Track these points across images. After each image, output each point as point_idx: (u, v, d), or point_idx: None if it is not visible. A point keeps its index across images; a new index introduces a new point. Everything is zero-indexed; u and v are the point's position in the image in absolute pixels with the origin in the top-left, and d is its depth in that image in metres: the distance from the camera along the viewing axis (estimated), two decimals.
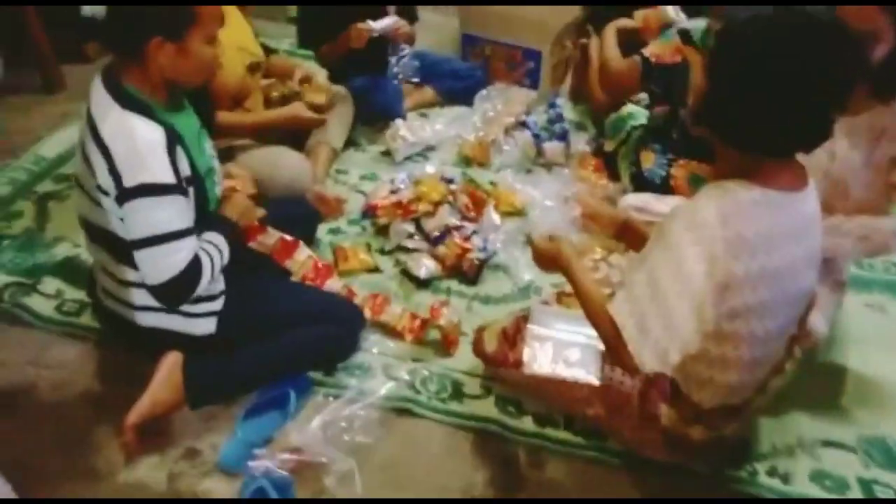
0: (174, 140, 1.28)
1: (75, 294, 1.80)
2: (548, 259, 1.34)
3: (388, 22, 2.38)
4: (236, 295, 1.47)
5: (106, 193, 1.27)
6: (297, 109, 2.11)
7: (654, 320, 1.09)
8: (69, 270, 1.89)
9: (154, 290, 1.31)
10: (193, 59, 1.30)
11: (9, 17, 2.59)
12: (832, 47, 0.99)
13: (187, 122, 1.40)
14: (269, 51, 2.28)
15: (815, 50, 0.99)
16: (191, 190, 1.33)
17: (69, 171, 2.26)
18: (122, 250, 1.32)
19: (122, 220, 1.28)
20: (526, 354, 1.43)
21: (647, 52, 1.86)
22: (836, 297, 1.77)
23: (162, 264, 1.29)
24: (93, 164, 1.26)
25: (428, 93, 2.77)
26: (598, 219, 1.48)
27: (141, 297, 1.38)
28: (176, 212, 1.28)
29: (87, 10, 1.26)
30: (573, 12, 2.83)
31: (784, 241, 1.09)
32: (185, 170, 1.31)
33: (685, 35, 1.79)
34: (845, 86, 1.03)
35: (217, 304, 1.44)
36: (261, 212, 1.60)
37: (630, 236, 1.46)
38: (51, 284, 1.84)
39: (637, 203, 1.89)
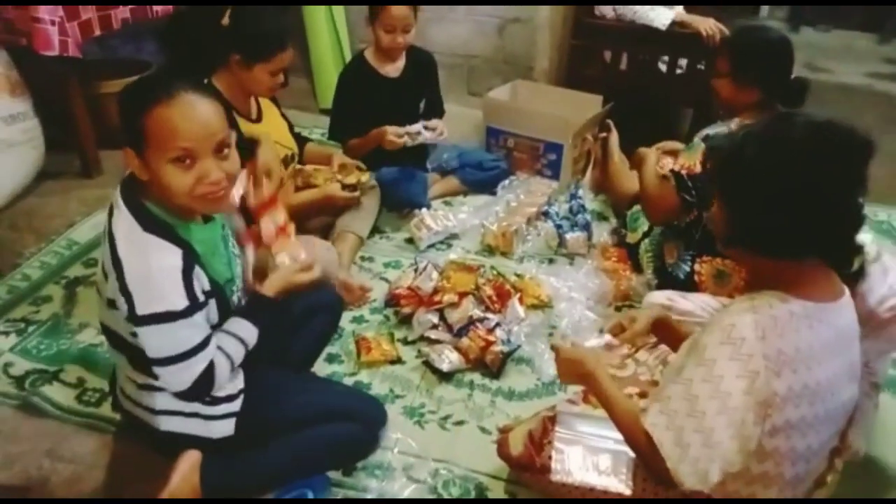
0: (191, 262, 1.22)
1: (97, 383, 1.79)
2: (570, 367, 1.31)
3: (427, 135, 2.43)
4: (255, 394, 1.43)
5: (115, 306, 1.25)
6: (331, 189, 2.13)
7: (692, 436, 1.05)
8: (93, 358, 1.88)
9: (175, 394, 1.31)
10: (160, 181, 1.18)
11: (56, 100, 2.66)
12: (836, 144, 1.01)
13: (209, 234, 1.35)
14: (303, 140, 2.35)
15: (818, 150, 1.01)
16: (211, 302, 1.30)
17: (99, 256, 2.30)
18: (139, 357, 1.29)
19: (133, 335, 1.26)
20: (554, 460, 1.37)
21: (676, 166, 1.91)
22: (873, 401, 1.70)
23: (180, 377, 1.27)
24: (108, 275, 1.24)
25: (453, 182, 2.83)
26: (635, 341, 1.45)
27: (161, 401, 1.36)
28: (191, 330, 1.25)
29: None
30: (594, 108, 2.92)
31: (825, 356, 1.06)
32: (204, 286, 1.27)
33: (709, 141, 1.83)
34: (861, 175, 1.03)
35: (236, 405, 1.40)
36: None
37: (663, 333, 1.44)
38: (73, 372, 1.83)
39: (662, 301, 1.86)
